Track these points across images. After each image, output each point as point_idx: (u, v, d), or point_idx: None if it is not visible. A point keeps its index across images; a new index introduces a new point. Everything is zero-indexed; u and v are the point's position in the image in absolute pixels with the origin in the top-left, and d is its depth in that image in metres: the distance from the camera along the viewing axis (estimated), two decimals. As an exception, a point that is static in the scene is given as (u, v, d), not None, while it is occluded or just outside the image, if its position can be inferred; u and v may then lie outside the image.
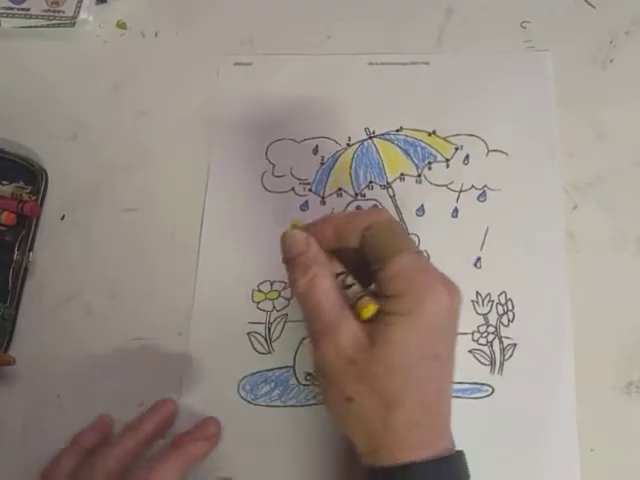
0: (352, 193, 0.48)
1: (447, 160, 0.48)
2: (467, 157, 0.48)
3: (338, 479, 0.42)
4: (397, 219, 0.47)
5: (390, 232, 0.36)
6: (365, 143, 0.50)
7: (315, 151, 0.50)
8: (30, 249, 0.48)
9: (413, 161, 0.49)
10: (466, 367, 0.43)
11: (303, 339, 0.45)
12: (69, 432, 0.44)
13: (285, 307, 0.46)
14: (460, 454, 0.35)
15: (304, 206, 0.48)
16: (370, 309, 0.34)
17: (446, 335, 0.35)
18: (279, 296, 0.46)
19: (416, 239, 0.46)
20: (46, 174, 0.50)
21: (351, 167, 0.49)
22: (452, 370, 0.36)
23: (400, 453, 0.34)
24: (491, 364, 0.43)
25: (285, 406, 0.43)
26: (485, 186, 0.47)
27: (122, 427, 0.43)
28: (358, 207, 0.48)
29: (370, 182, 0.48)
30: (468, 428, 0.41)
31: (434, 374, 0.35)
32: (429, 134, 0.49)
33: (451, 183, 0.48)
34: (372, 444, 0.35)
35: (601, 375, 0.43)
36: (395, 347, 0.34)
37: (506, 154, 0.48)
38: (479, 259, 0.46)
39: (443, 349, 0.35)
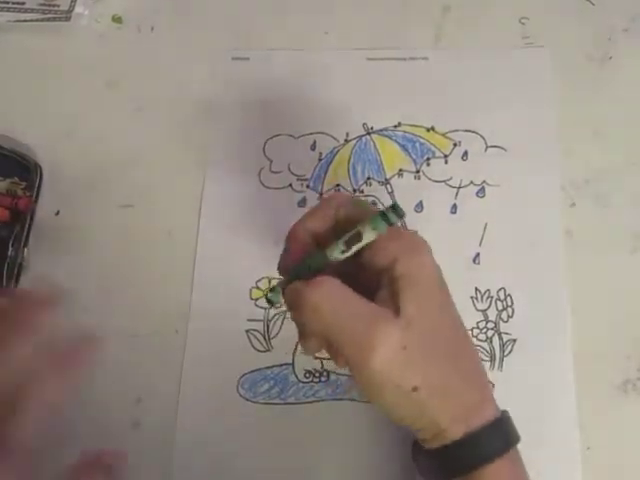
0: (350, 189, 0.48)
1: (446, 156, 0.48)
2: (466, 153, 0.48)
3: (338, 476, 0.42)
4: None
5: (358, 204, 0.36)
6: (363, 139, 0.49)
7: (313, 147, 0.49)
8: (25, 245, 0.48)
9: (411, 157, 0.49)
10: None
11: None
12: (65, 429, 0.43)
13: (283, 304, 0.45)
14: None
15: (302, 202, 0.48)
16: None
17: (445, 286, 0.35)
18: (278, 293, 0.46)
19: (415, 235, 0.46)
20: (41, 170, 0.50)
21: (349, 163, 0.49)
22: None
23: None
24: (491, 360, 0.43)
25: (285, 404, 0.43)
26: (484, 182, 0.47)
27: (119, 428, 0.42)
28: (356, 203, 0.48)
29: (368, 178, 0.48)
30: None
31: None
32: (428, 130, 0.49)
33: (450, 179, 0.48)
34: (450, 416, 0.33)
35: (598, 373, 0.43)
36: (418, 307, 0.32)
37: (505, 150, 0.48)
38: (478, 255, 0.46)
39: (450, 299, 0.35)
